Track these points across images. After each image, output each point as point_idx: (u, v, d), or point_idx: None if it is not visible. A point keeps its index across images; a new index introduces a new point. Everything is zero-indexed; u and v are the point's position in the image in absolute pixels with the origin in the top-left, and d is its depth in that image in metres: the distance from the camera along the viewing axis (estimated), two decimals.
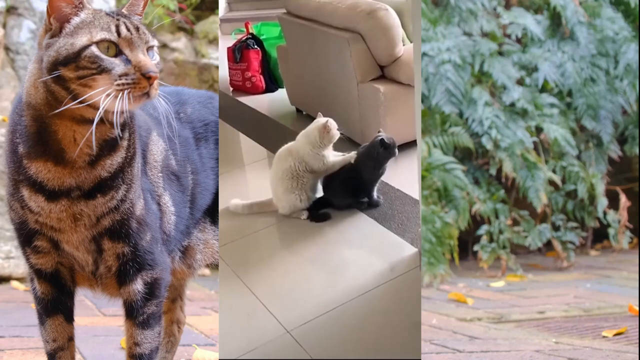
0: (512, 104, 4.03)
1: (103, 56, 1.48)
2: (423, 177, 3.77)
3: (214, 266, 1.92)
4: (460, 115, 4.00)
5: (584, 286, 3.57)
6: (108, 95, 1.46)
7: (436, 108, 3.93)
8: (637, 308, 2.88)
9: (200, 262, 1.87)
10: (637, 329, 2.60)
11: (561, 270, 4.00)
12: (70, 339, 1.72)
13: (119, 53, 1.50)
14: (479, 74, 4.06)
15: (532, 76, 4.17)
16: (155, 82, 1.52)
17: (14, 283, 3.39)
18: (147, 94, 1.50)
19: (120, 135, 1.54)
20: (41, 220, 1.57)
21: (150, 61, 1.52)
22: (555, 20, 4.33)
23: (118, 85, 1.46)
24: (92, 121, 1.48)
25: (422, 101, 3.96)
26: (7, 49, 3.71)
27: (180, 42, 4.13)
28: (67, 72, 1.48)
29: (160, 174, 1.69)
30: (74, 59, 1.47)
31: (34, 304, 1.71)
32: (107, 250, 1.59)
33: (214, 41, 4.16)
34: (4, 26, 3.71)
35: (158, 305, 1.65)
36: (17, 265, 3.40)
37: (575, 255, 4.07)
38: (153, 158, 1.69)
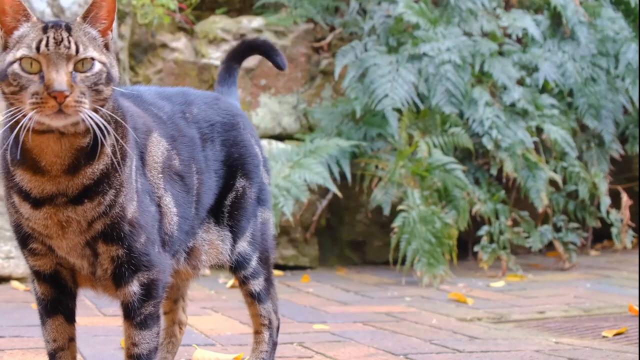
0: (513, 104, 4.03)
1: (22, 74, 1.47)
2: (423, 178, 3.77)
3: (217, 267, 1.91)
4: (461, 115, 3.99)
5: (584, 286, 3.57)
6: (25, 113, 1.44)
7: (436, 108, 3.92)
8: (637, 308, 2.88)
9: (205, 263, 1.86)
10: (637, 329, 2.60)
11: (563, 270, 4.01)
12: (71, 339, 1.72)
13: (42, 69, 1.47)
14: (479, 74, 4.06)
15: (533, 76, 4.17)
16: (72, 100, 1.45)
17: (14, 283, 3.40)
18: (62, 112, 1.45)
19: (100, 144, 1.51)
20: (31, 226, 1.57)
21: (61, 78, 1.45)
22: (556, 20, 4.33)
23: (30, 104, 1.45)
24: (51, 131, 1.48)
25: (422, 101, 3.97)
26: None
27: (180, 42, 4.12)
28: (3, 86, 1.49)
29: (160, 175, 1.68)
30: (5, 75, 1.48)
31: (35, 304, 1.71)
32: (102, 253, 1.59)
33: (214, 41, 4.16)
34: None
35: (156, 306, 1.64)
36: (17, 265, 3.40)
37: (576, 255, 4.07)
38: (153, 159, 1.68)
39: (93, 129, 1.48)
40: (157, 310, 1.65)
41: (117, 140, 1.56)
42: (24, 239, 1.62)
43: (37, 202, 1.54)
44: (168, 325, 2.03)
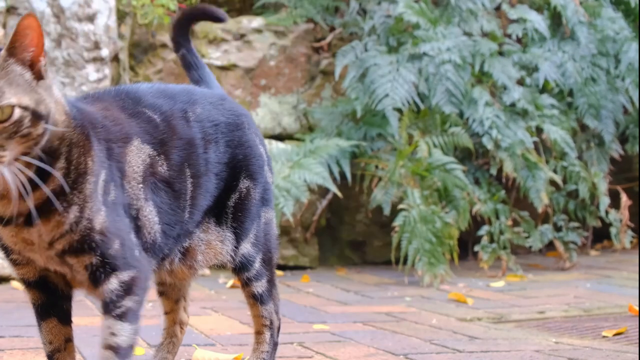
0: (513, 104, 4.03)
1: None
2: (423, 177, 3.77)
3: (217, 267, 1.90)
4: (461, 115, 3.99)
5: (584, 286, 3.57)
6: None
7: (436, 108, 3.93)
8: (637, 308, 2.89)
9: (202, 263, 1.84)
10: (637, 329, 2.60)
11: (563, 270, 4.01)
12: (68, 340, 1.70)
13: None
14: (479, 74, 4.06)
15: (533, 76, 4.17)
16: None
17: (14, 283, 3.40)
18: None
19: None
20: (3, 241, 1.57)
21: None
22: (556, 20, 4.33)
23: None
24: None
25: (422, 101, 3.97)
26: None
27: None
28: None
29: (140, 185, 1.64)
30: None
31: None
32: (74, 264, 1.56)
33: (214, 41, 4.16)
34: (4, 26, 3.71)
35: (137, 304, 1.57)
36: None
37: (576, 255, 4.07)
38: (132, 169, 1.63)
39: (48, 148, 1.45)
40: (138, 309, 1.59)
41: (69, 161, 1.51)
42: (4, 249, 1.61)
43: (3, 221, 1.53)
44: (169, 325, 2.03)
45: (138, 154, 1.66)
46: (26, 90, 1.45)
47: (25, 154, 1.45)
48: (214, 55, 4.12)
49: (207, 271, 3.74)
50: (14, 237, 1.54)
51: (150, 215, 1.66)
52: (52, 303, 1.67)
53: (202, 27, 4.23)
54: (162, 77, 4.07)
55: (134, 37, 4.09)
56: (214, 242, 1.84)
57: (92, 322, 2.70)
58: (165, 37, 4.14)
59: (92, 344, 2.37)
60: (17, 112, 1.42)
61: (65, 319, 1.69)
